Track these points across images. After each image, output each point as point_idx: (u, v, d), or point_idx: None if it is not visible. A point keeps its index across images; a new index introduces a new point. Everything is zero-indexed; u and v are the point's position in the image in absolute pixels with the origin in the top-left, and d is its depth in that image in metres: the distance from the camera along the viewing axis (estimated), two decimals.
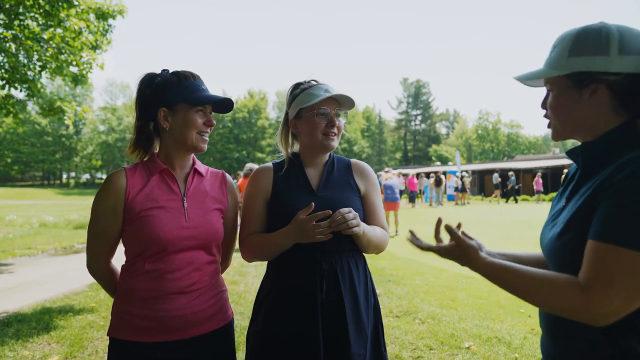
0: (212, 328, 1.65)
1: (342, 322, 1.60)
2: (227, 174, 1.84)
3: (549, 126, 1.22)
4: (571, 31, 1.13)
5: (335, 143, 1.77)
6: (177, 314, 1.57)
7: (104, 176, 70.51)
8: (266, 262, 1.80)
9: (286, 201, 1.70)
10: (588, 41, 1.08)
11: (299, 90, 1.78)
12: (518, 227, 12.27)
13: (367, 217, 1.80)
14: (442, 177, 22.84)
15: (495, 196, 24.30)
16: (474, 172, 25.74)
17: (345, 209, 1.57)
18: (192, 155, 1.73)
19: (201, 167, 1.76)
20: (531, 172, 26.97)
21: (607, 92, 1.07)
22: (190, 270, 1.60)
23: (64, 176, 71.89)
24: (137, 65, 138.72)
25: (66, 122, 8.33)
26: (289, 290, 1.65)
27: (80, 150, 65.31)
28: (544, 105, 1.22)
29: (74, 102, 8.78)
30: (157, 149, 1.73)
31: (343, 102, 1.77)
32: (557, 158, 30.39)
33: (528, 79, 1.20)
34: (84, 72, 7.83)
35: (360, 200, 1.79)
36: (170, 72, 1.66)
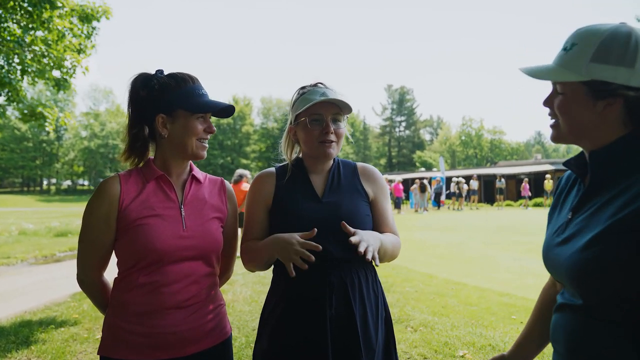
0: (210, 344, 1.56)
1: (353, 337, 1.52)
2: (226, 181, 1.75)
3: (552, 126, 1.14)
4: (597, 31, 1.03)
5: (334, 150, 1.66)
6: (173, 330, 1.48)
7: (86, 182, 69.47)
8: (258, 272, 1.71)
9: (290, 208, 1.62)
10: (615, 48, 0.99)
11: (298, 95, 1.70)
12: (504, 233, 12.36)
13: (377, 224, 1.71)
14: (426, 183, 22.90)
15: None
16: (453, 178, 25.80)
17: (372, 245, 1.46)
18: (190, 161, 1.65)
19: (199, 173, 1.68)
20: (514, 178, 27.28)
21: (622, 106, 1.01)
22: (187, 283, 1.51)
23: (45, 183, 70.50)
24: (121, 70, 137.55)
25: (47, 128, 8.12)
26: (297, 305, 1.56)
27: (61, 157, 64.20)
28: (548, 103, 1.13)
29: (56, 108, 8.56)
30: (152, 154, 1.63)
31: (343, 107, 1.66)
32: (540, 164, 30.77)
33: (538, 76, 1.10)
34: (67, 76, 7.65)
35: (368, 205, 1.70)
36: (166, 74, 1.56)
